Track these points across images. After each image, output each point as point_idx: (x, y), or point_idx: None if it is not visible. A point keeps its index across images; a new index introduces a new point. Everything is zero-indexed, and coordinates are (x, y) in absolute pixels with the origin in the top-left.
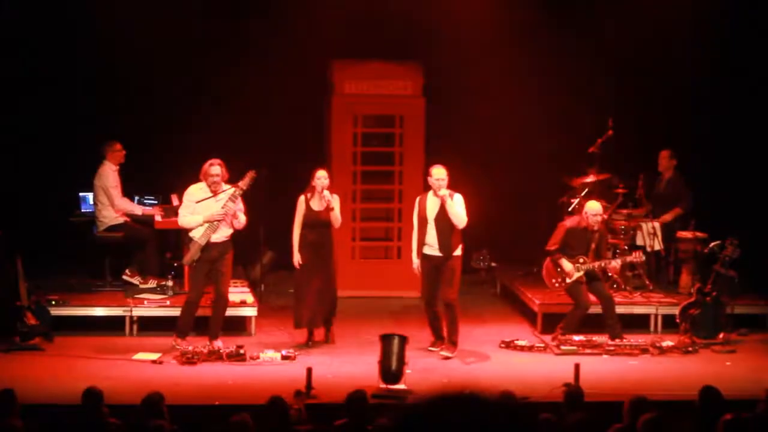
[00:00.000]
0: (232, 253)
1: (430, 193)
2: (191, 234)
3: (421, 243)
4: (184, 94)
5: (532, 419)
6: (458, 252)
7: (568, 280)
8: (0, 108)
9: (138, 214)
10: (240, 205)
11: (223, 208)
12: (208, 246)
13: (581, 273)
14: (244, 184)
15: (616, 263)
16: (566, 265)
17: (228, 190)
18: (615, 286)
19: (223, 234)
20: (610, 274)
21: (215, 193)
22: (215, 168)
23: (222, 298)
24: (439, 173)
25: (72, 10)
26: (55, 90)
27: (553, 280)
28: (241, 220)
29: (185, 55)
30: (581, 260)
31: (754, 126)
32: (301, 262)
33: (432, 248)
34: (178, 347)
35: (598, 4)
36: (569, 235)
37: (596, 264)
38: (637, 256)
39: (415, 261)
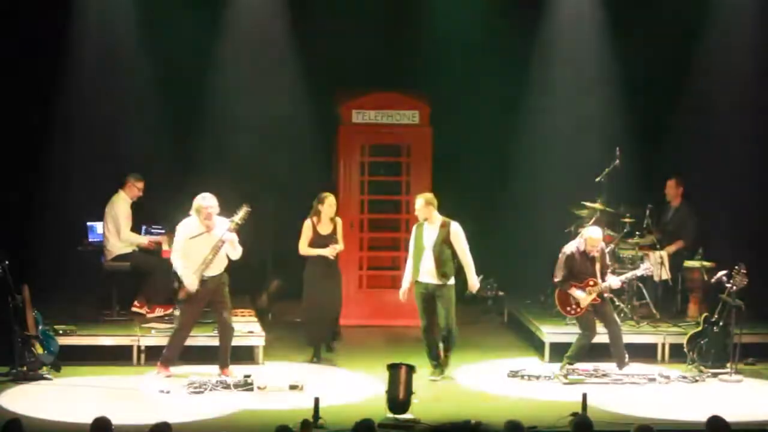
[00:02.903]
0: (227, 283)
1: (425, 222)
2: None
3: (417, 270)
4: (192, 122)
5: None
6: (452, 281)
7: (582, 306)
8: (8, 138)
9: (144, 243)
10: (234, 237)
11: (220, 244)
12: (203, 281)
13: (594, 295)
14: (239, 219)
15: (616, 282)
16: (577, 293)
17: (222, 225)
18: (623, 314)
19: (217, 269)
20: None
21: (209, 229)
22: (213, 208)
23: (228, 328)
24: (416, 202)
25: (79, 46)
26: (63, 118)
27: (568, 308)
28: (239, 251)
29: (195, 82)
30: (591, 283)
31: (762, 154)
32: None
33: (430, 275)
34: (159, 373)
35: (606, 36)
36: (571, 262)
37: (606, 284)
38: (645, 268)
39: (404, 286)
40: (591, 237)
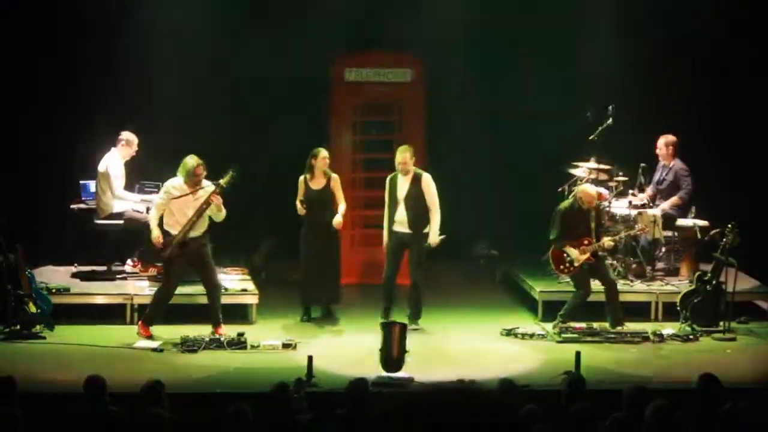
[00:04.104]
0: (208, 243)
1: (399, 174)
2: (167, 228)
3: (391, 221)
4: (186, 80)
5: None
6: (427, 230)
7: (576, 265)
8: (1, 97)
9: (137, 201)
10: (220, 199)
11: (205, 206)
12: (186, 242)
13: (588, 254)
14: (224, 182)
15: (610, 241)
16: (572, 252)
17: (207, 187)
18: (617, 272)
19: (199, 230)
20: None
21: (194, 192)
22: (201, 169)
23: (216, 287)
24: (399, 157)
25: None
26: (58, 76)
27: (562, 267)
28: (223, 213)
29: (190, 40)
30: (586, 242)
31: (755, 111)
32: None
33: (402, 225)
34: (140, 336)
35: None
36: (567, 218)
37: (601, 242)
38: (640, 228)
39: (386, 240)
40: (584, 191)
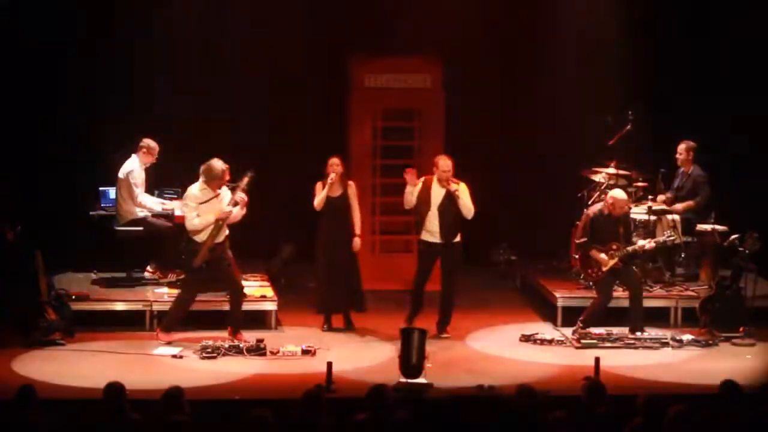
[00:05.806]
0: (229, 246)
1: (435, 180)
2: (195, 238)
3: (420, 228)
4: (205, 85)
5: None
6: (458, 239)
7: (604, 269)
8: (20, 101)
9: (158, 210)
10: (246, 198)
11: (236, 206)
12: (215, 246)
13: (615, 260)
14: (244, 184)
15: (649, 245)
16: (599, 256)
17: (226, 191)
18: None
19: (223, 235)
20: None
21: (217, 195)
22: (227, 172)
23: (240, 291)
24: (446, 165)
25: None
26: (75, 83)
27: (590, 270)
28: (242, 213)
29: (208, 44)
30: (614, 247)
31: None
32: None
33: (434, 236)
34: (161, 341)
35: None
36: (595, 223)
37: (630, 248)
38: (669, 236)
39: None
40: (617, 198)
